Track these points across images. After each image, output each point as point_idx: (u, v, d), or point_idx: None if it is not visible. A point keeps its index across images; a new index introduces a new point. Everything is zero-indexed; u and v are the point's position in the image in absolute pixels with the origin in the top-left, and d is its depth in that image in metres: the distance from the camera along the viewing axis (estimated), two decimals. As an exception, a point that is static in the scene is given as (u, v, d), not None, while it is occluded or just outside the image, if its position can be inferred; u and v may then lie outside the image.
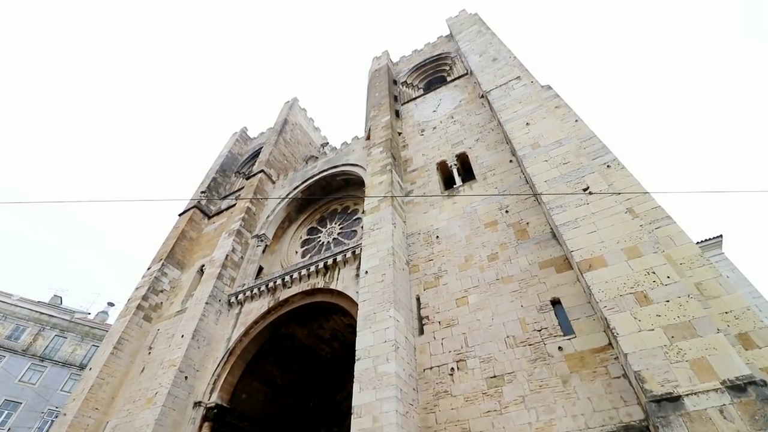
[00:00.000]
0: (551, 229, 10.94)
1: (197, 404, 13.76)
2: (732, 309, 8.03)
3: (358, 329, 10.71)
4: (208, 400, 13.94)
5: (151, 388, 14.18)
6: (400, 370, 9.44)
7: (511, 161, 14.05)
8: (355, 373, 9.75)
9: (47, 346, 35.25)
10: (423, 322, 11.20)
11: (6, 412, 30.81)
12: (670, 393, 6.38)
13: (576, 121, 13.74)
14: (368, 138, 19.98)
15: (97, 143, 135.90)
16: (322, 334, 17.04)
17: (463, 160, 15.88)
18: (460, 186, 14.65)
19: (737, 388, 6.11)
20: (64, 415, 15.88)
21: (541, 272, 10.36)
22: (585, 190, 10.08)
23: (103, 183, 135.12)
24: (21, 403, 31.39)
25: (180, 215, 26.13)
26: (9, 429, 29.85)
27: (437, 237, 13.19)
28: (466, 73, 20.59)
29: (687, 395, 6.28)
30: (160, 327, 18.92)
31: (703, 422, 5.97)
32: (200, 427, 13.37)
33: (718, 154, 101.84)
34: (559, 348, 8.88)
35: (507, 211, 12.40)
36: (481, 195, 13.35)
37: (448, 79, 22.49)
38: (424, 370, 10.21)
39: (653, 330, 7.19)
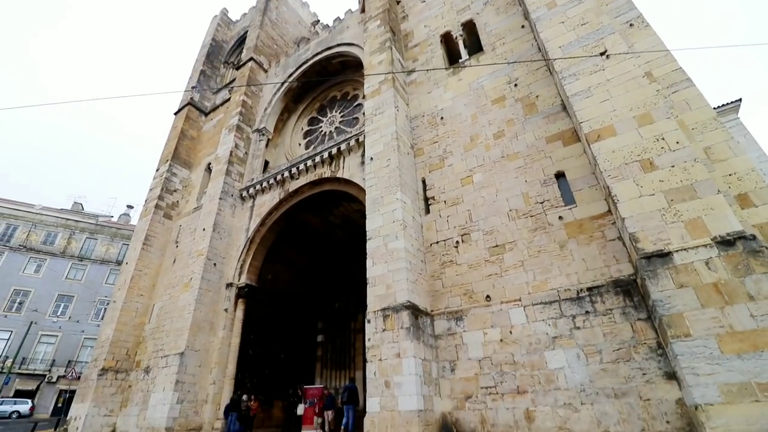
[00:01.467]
0: (561, 101, 10.46)
1: (229, 285, 15.38)
2: (736, 171, 8.08)
3: (367, 213, 11.21)
4: (238, 281, 15.53)
5: (185, 275, 15.71)
6: (409, 246, 10.16)
7: (522, 26, 12.69)
8: (367, 251, 10.55)
9: (82, 248, 38.11)
10: (429, 203, 11.62)
11: (63, 304, 34.99)
12: (661, 250, 6.86)
13: (600, -31, 11.89)
14: (363, 10, 17.89)
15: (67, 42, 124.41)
16: (333, 221, 17.96)
17: (470, 30, 14.38)
18: (466, 60, 13.57)
19: (726, 242, 6.50)
20: (114, 302, 18.05)
21: (547, 147, 10.26)
22: (603, 53, 9.29)
23: (88, 84, 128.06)
24: (73, 296, 35.43)
25: (175, 114, 25.32)
26: (69, 317, 34.33)
27: (442, 118, 12.77)
28: None
29: (677, 251, 6.74)
30: (182, 223, 20.04)
31: (688, 273, 6.52)
32: (235, 304, 15.19)
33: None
34: (560, 217, 9.31)
35: (516, 85, 11.70)
36: (490, 65, 12.43)
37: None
38: (430, 244, 10.97)
39: (653, 195, 7.38)
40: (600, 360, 7.63)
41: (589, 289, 8.25)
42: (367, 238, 10.75)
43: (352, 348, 19.08)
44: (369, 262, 10.31)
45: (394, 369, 8.49)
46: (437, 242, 10.88)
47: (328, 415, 13.39)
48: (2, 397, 28.07)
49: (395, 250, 9.97)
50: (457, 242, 10.49)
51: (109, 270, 37.27)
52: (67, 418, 15.72)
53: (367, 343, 9.22)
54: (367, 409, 8.56)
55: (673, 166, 7.45)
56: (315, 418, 13.74)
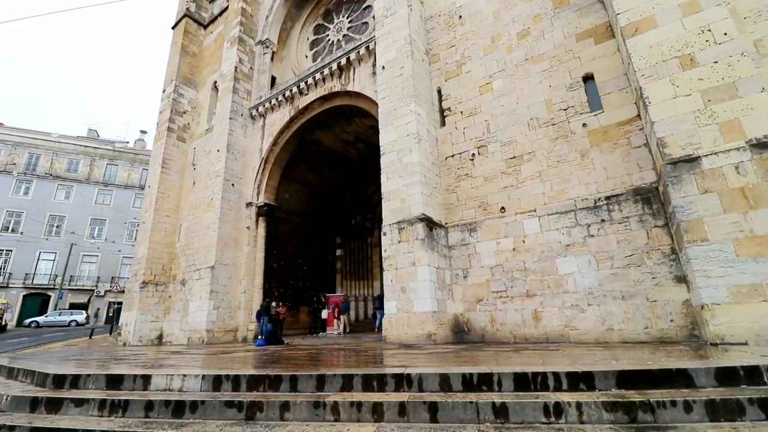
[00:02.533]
0: (597, -11, 9.23)
1: (249, 204, 15.85)
2: (788, 66, 7.27)
3: (380, 126, 10.87)
4: (257, 200, 15.95)
5: (206, 195, 16.18)
6: (423, 160, 10.00)
7: None
8: (381, 166, 10.46)
9: (104, 174, 39.22)
10: (444, 114, 11.13)
11: (97, 228, 37.20)
12: (689, 155, 6.53)
13: None
14: None
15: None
16: (346, 138, 17.62)
17: None
18: (488, -56, 11.80)
19: (762, 145, 6.11)
20: (144, 223, 19.00)
21: (576, 46, 9.34)
22: (651, -76, 7.88)
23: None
24: (105, 220, 37.45)
25: (173, 29, 23.76)
26: (105, 239, 36.70)
27: (460, 17, 11.58)
28: None
29: (706, 156, 6.41)
30: (195, 146, 20.04)
31: (714, 178, 6.27)
32: (256, 222, 15.80)
33: None
34: (584, 124, 8.84)
35: (545, -27, 10.28)
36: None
37: None
38: (446, 158, 10.76)
39: (689, 95, 6.82)
40: (611, 265, 7.82)
41: (608, 198, 8.14)
42: (381, 152, 10.57)
43: (369, 261, 20.10)
44: (383, 177, 10.29)
45: (410, 276, 8.96)
46: (453, 155, 10.65)
47: (343, 318, 15.66)
48: (60, 309, 31.58)
49: (409, 165, 9.85)
50: (474, 155, 10.24)
51: (134, 194, 38.70)
52: (119, 324, 17.70)
53: (383, 254, 9.63)
54: (384, 311, 9.26)
55: (716, 62, 6.74)
56: (335, 320, 15.45)
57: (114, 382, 4.24)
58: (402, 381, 3.31)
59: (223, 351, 8.52)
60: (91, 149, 39.99)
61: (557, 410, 2.72)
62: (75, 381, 4.37)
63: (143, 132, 47.02)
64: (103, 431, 3.08)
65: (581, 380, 3.06)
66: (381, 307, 13.09)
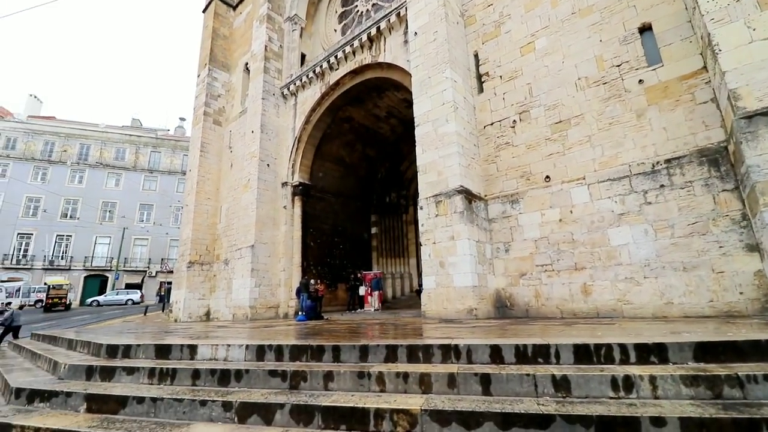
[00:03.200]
0: (656, -75, 8.16)
1: (284, 184, 16.03)
2: None
3: (414, 97, 10.45)
4: (292, 180, 16.09)
5: (243, 177, 16.52)
6: (461, 129, 9.53)
7: None
8: (416, 138, 10.10)
9: (149, 161, 41.19)
10: (482, 80, 10.50)
11: (145, 212, 39.41)
12: (768, 106, 5.74)
13: None
14: None
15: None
16: (378, 113, 17.25)
17: None
18: None
19: None
20: (187, 206, 19.83)
21: (631, -7, 8.39)
22: None
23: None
24: (152, 205, 39.57)
25: (204, 12, 23.98)
26: (153, 222, 38.88)
27: (497, -27, 10.73)
28: None
29: (789, 106, 5.61)
30: (231, 129, 20.42)
31: (799, 130, 5.49)
32: (292, 201, 15.99)
33: None
34: (640, 81, 8.01)
35: None
36: None
37: None
38: (484, 126, 10.22)
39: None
40: (671, 235, 7.17)
41: (668, 161, 7.40)
42: (416, 124, 10.19)
43: (405, 238, 19.96)
44: (419, 149, 9.94)
45: (448, 251, 8.70)
46: (491, 124, 10.09)
47: (376, 294, 15.90)
48: (117, 289, 34.09)
49: (446, 135, 9.42)
50: (515, 121, 9.63)
51: (177, 180, 40.46)
52: (170, 302, 18.80)
53: (420, 228, 9.39)
54: (423, 286, 9.10)
55: (805, -4, 5.79)
56: (369, 297, 15.58)
57: (163, 351, 4.38)
58: (449, 352, 3.13)
59: (265, 325, 8.77)
60: (135, 138, 42.00)
61: (627, 384, 2.44)
62: (127, 351, 4.57)
63: (182, 119, 48.69)
64: (152, 398, 3.16)
65: (652, 352, 2.74)
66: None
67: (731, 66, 6.12)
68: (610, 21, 8.58)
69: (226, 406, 2.93)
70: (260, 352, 3.88)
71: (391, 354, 3.31)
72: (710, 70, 7.02)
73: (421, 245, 9.33)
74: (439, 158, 9.43)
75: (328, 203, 17.83)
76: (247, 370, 3.42)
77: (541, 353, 2.92)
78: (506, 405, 2.38)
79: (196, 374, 3.60)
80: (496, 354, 3.01)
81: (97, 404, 3.35)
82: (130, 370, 3.90)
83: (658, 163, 7.51)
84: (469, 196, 8.98)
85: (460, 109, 9.70)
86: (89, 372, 4.12)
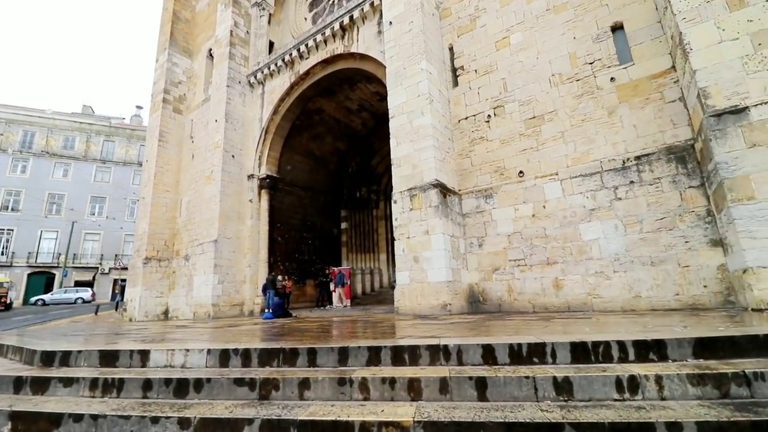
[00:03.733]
0: (629, -75, 8.29)
1: (250, 176, 15.28)
2: None
3: (388, 87, 10.16)
4: (259, 172, 15.37)
5: (205, 168, 15.59)
6: (436, 122, 9.34)
7: None
8: (390, 130, 9.83)
9: (102, 151, 38.42)
10: (457, 73, 10.37)
11: (97, 205, 36.77)
12: (736, 106, 5.92)
13: None
14: None
15: None
16: (349, 106, 16.81)
17: None
18: None
19: (816, 93, 5.50)
20: (143, 198, 18.53)
21: (604, -9, 8.49)
22: None
23: None
24: (105, 197, 36.97)
25: (164, -8, 22.42)
26: (106, 216, 36.34)
27: (473, -34, 10.60)
28: None
29: (755, 105, 5.80)
30: (193, 117, 19.26)
31: (765, 131, 5.69)
32: (259, 194, 15.28)
33: None
34: (611, 79, 8.14)
35: None
36: None
37: None
38: (459, 121, 10.10)
39: (737, 39, 6.13)
40: (640, 230, 7.33)
41: (638, 158, 7.56)
42: (390, 116, 9.91)
43: (375, 233, 19.68)
44: (393, 142, 9.67)
45: (423, 245, 8.50)
46: (466, 118, 9.98)
47: (339, 290, 15.40)
48: (65, 287, 31.59)
49: (421, 127, 9.20)
50: (489, 116, 9.57)
51: (133, 171, 37.98)
52: (124, 300, 17.53)
53: (394, 223, 9.14)
54: (396, 282, 8.87)
55: (768, 1, 6.00)
56: (334, 293, 15.31)
57: (108, 358, 3.80)
58: (438, 353, 2.87)
59: (230, 324, 8.21)
60: (86, 126, 39.01)
61: (632, 385, 2.29)
62: (65, 358, 3.93)
63: (139, 107, 45.69)
64: (93, 414, 2.66)
65: (651, 349, 2.62)
66: None
67: (701, 65, 6.27)
68: (583, 19, 8.65)
69: (183, 423, 2.49)
70: (224, 357, 3.42)
71: (373, 356, 3.00)
72: (679, 70, 7.21)
73: (395, 240, 9.09)
74: (414, 151, 9.20)
75: (297, 197, 17.23)
76: (208, 379, 2.97)
77: (537, 352, 2.73)
78: (507, 413, 2.15)
79: (147, 384, 3.10)
80: (488, 354, 2.78)
81: (25, 424, 2.80)
82: (68, 381, 3.32)
83: (628, 159, 7.66)
84: (444, 190, 8.82)
85: (435, 102, 9.51)
86: (18, 384, 3.50)
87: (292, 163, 16.85)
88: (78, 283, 33.21)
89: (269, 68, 15.70)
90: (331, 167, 18.98)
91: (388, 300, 16.75)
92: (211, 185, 14.75)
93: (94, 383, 3.20)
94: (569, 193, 8.13)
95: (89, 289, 31.35)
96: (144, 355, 3.65)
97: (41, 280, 33.01)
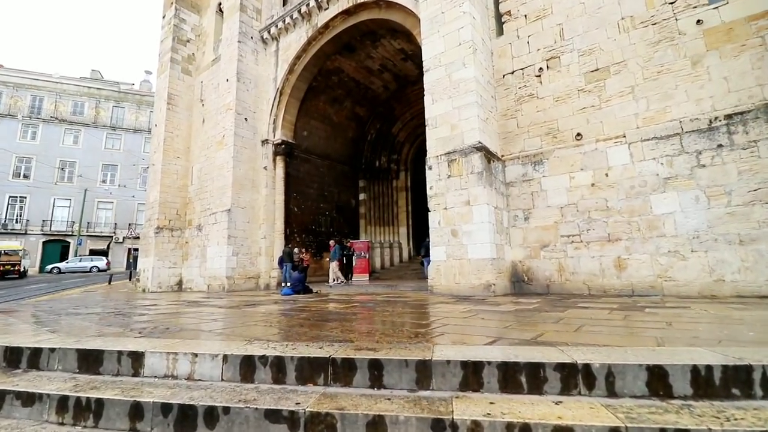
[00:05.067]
0: None
1: (264, 142, 14.24)
2: None
3: (423, 36, 8.86)
4: (273, 137, 14.31)
5: (217, 133, 14.58)
6: (479, 75, 8.09)
7: None
8: (425, 86, 8.62)
9: (111, 117, 37.58)
10: (503, 20, 8.99)
11: (109, 173, 36.33)
12: None
13: None
14: None
15: None
16: (371, 66, 15.42)
17: None
18: None
19: None
20: (153, 165, 17.69)
21: None
22: None
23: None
24: (117, 165, 36.46)
25: (169, -59, 20.70)
26: (119, 184, 35.92)
27: None
28: None
29: None
30: (203, 79, 18.07)
31: None
32: (274, 161, 14.28)
33: None
34: (698, 21, 6.75)
35: None
36: None
37: None
38: (503, 76, 8.81)
39: None
40: (727, 203, 6.17)
41: (729, 116, 6.29)
42: (425, 68, 8.66)
43: (395, 205, 18.68)
44: (428, 99, 8.48)
45: (462, 218, 7.48)
46: (512, 72, 8.69)
47: (333, 265, 13.67)
48: (81, 256, 31.63)
49: (462, 81, 7.97)
50: (541, 69, 8.26)
51: (143, 138, 37.17)
52: (137, 270, 17.06)
53: (428, 192, 8.10)
54: (431, 258, 7.93)
55: None
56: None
57: (90, 361, 2.80)
58: (574, 376, 1.85)
59: (246, 302, 7.43)
60: (95, 91, 38.03)
61: None
62: (35, 358, 2.94)
63: (148, 72, 44.37)
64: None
65: None
66: (428, 254, 12.86)
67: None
68: (666, -54, 7.16)
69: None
70: (247, 366, 2.44)
71: (471, 376, 2.04)
72: (793, 5, 5.83)
73: (428, 211, 8.07)
74: (453, 109, 8.02)
75: (314, 165, 16.20)
76: (226, 409, 2.01)
77: (737, 380, 1.76)
78: None
79: (137, 411, 2.14)
80: (658, 381, 1.80)
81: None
82: (29, 399, 2.41)
83: (716, 119, 6.39)
84: (488, 155, 7.69)
85: (478, 52, 8.21)
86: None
87: (308, 128, 15.72)
88: (93, 252, 33.26)
89: (284, 21, 14.31)
90: (349, 134, 17.80)
91: (409, 276, 15.95)
92: (223, 151, 13.78)
93: (62, 404, 2.29)
94: (639, 158, 6.94)
95: (104, 257, 31.35)
96: (137, 358, 2.66)
97: (56, 248, 33.11)
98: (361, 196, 18.45)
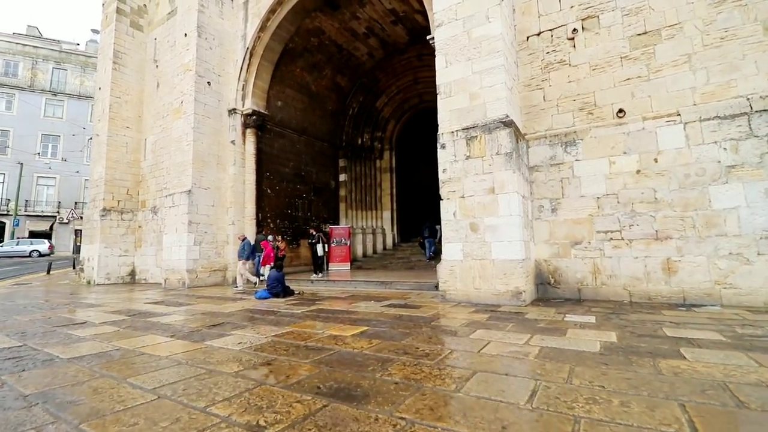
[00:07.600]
0: None
1: (232, 111, 12.18)
2: None
3: (434, -17, 7.21)
4: (243, 106, 12.26)
5: (174, 99, 12.34)
6: (505, 33, 6.62)
7: None
8: (436, 44, 7.06)
9: (51, 80, 33.19)
10: (528, -30, 7.47)
11: (50, 145, 32.26)
12: None
13: None
14: None
15: None
16: (356, 28, 13.52)
17: None
18: None
19: None
20: (98, 135, 15.13)
21: None
22: None
23: None
24: (59, 136, 32.41)
25: None
26: (62, 158, 31.98)
27: None
28: None
29: None
30: (156, 35, 15.45)
31: None
32: (243, 135, 12.29)
33: None
34: (777, -25, 5.55)
35: None
36: None
37: None
38: (527, 37, 7.38)
39: None
40: (805, 197, 5.17)
41: (811, 92, 5.21)
42: (436, 23, 7.08)
43: (378, 188, 17.15)
44: (440, 61, 6.93)
45: (485, 208, 6.14)
46: (538, 34, 7.27)
47: (244, 265, 10.35)
48: (18, 238, 28.06)
49: (485, 39, 6.47)
50: (575, 30, 6.90)
51: (90, 106, 33.07)
52: (80, 258, 14.73)
53: (441, 176, 6.67)
54: (443, 257, 6.58)
55: None
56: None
57: None
58: None
59: (211, 319, 5.78)
60: (31, 49, 33.25)
61: None
62: None
63: (95, 31, 39.37)
64: None
65: None
66: (431, 235, 13.24)
67: None
68: None
69: None
70: None
71: None
72: None
73: (441, 199, 6.66)
74: (472, 74, 6.53)
75: (289, 141, 14.30)
76: None
77: None
78: None
79: None
80: None
81: None
82: None
83: (795, 95, 5.31)
84: (516, 132, 6.33)
85: (504, 5, 6.71)
86: None
87: (283, 98, 13.73)
88: (33, 234, 29.67)
89: (255, -32, 12.07)
90: (329, 107, 15.90)
91: (394, 266, 14.64)
92: (182, 120, 11.63)
93: None
94: (696, 142, 5.80)
95: (46, 240, 27.95)
96: None
97: (-11, 228, 29.24)
98: (342, 177, 16.76)
